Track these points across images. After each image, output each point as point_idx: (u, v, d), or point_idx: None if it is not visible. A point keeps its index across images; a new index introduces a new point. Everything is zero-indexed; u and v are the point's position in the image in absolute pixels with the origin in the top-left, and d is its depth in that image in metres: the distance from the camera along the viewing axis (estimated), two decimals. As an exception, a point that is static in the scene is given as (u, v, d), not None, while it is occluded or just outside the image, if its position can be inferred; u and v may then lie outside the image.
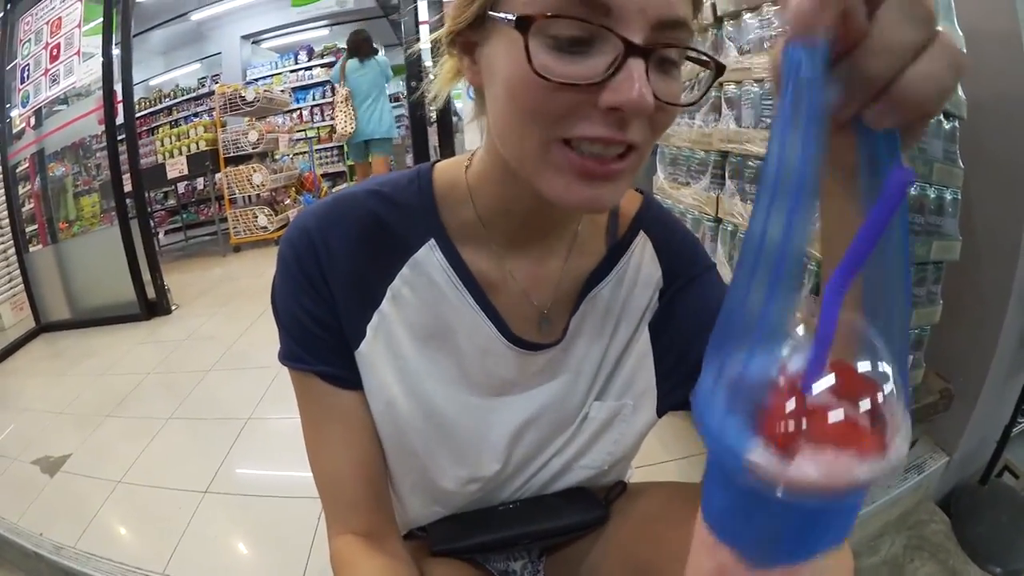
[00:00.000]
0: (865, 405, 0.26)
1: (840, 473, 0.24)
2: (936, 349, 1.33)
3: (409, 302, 0.67)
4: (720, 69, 0.52)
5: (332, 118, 5.60)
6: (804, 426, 0.25)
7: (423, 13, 2.91)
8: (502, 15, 0.48)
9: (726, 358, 0.29)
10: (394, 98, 9.24)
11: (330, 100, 7.89)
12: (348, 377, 0.68)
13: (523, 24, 0.46)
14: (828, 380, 0.26)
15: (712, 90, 1.51)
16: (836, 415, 0.25)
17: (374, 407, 0.69)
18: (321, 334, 0.66)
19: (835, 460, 0.24)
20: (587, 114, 0.48)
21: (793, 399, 0.26)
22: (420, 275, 0.67)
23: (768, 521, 0.28)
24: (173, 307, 4.10)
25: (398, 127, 7.91)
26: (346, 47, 5.21)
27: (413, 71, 3.06)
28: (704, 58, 0.52)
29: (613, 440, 0.75)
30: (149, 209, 5.19)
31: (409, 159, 7.77)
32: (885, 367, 0.27)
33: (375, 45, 5.24)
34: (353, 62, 5.07)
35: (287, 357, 0.68)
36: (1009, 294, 1.42)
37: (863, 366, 0.27)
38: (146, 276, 3.96)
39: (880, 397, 0.26)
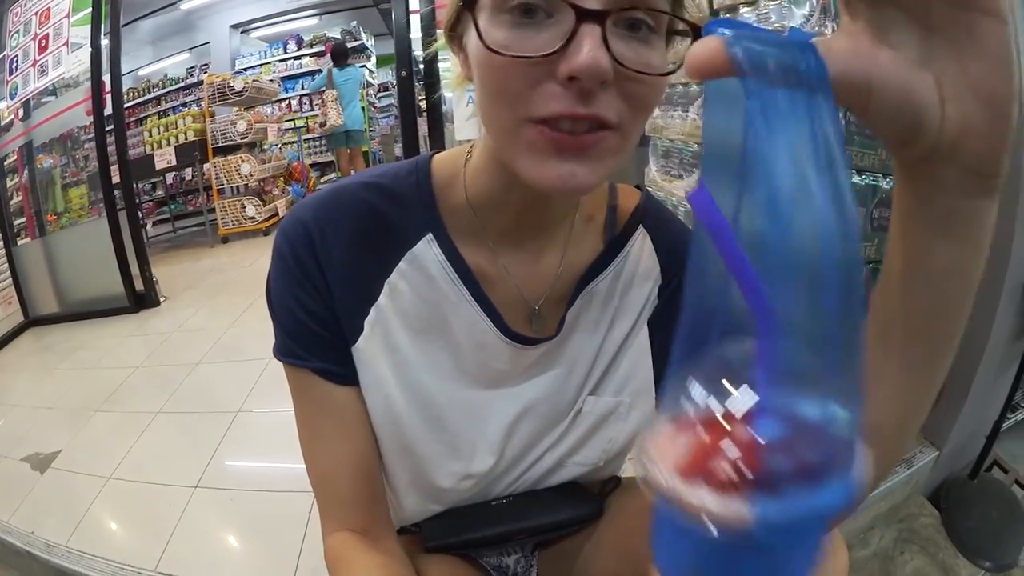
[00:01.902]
0: (809, 447, 0.24)
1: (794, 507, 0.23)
2: (927, 344, 1.33)
3: (405, 296, 0.66)
4: (697, 33, 0.49)
5: (324, 114, 6.66)
6: (742, 468, 0.23)
7: (413, 2, 2.86)
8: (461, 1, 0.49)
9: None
10: (383, 87, 9.31)
11: (319, 90, 8.26)
12: (344, 373, 0.67)
13: (469, 1, 0.47)
14: (771, 426, 0.24)
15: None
16: (775, 454, 0.24)
17: (371, 403, 0.68)
18: (317, 330, 0.65)
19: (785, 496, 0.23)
20: (549, 89, 0.47)
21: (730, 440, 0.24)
22: (417, 269, 0.66)
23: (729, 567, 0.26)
24: (162, 299, 4.07)
25: (386, 116, 9.44)
26: (331, 59, 6.89)
27: (402, 61, 3.02)
28: (682, 26, 0.50)
29: (607, 438, 0.75)
30: (137, 200, 5.15)
31: (398, 148, 7.82)
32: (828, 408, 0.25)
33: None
34: (336, 70, 6.73)
35: (282, 353, 0.67)
36: (1000, 290, 1.42)
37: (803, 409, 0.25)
38: (134, 268, 3.93)
39: (823, 438, 0.25)
